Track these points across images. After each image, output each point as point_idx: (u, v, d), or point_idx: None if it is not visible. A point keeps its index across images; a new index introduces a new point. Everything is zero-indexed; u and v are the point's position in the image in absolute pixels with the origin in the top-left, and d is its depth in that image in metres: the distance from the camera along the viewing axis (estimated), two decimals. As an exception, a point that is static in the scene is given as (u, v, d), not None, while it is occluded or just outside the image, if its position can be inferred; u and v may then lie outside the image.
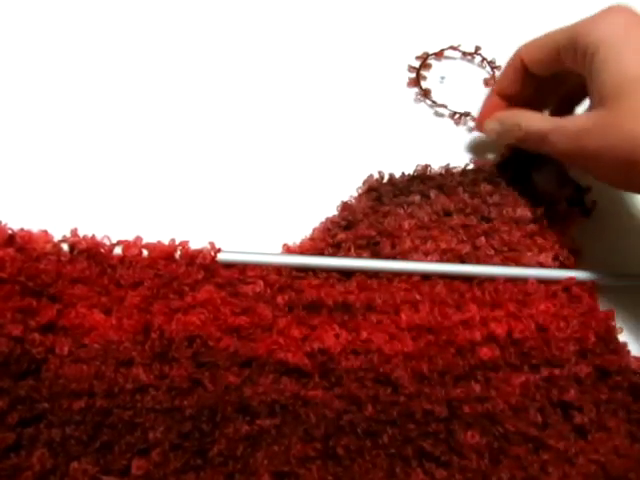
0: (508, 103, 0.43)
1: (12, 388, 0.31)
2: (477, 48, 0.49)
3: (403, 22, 0.50)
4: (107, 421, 0.31)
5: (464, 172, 0.41)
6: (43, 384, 0.31)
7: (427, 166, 0.40)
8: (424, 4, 0.52)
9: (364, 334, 0.34)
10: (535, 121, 0.39)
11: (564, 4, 0.53)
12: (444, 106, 0.46)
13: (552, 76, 0.41)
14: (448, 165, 0.41)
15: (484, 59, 0.48)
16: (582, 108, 0.42)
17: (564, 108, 0.44)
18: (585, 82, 0.37)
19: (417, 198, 0.39)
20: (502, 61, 0.47)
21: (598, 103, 0.35)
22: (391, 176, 0.40)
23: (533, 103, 0.43)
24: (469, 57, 0.49)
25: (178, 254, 0.35)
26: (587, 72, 0.36)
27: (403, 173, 0.40)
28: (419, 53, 0.48)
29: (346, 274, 0.36)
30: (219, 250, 0.35)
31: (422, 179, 0.40)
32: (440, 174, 0.40)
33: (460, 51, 0.49)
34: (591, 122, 0.35)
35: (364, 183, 0.40)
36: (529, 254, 0.38)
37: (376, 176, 0.40)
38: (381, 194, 0.39)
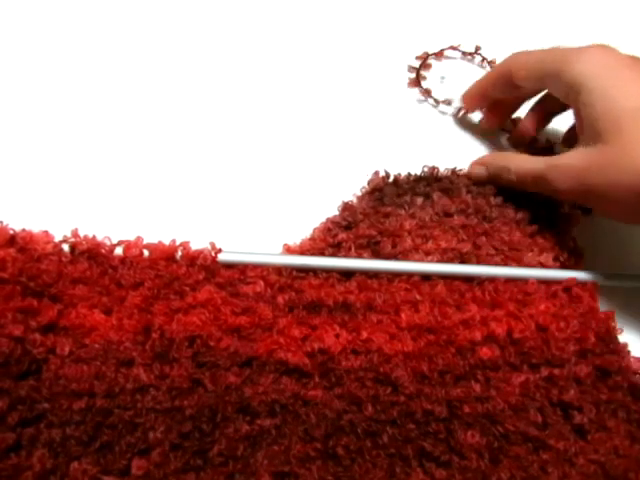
0: (486, 102, 0.44)
1: (13, 388, 0.31)
2: (477, 48, 0.49)
3: (403, 22, 0.51)
4: (107, 421, 0.31)
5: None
6: (44, 384, 0.31)
7: (434, 168, 0.40)
8: (424, 4, 0.52)
9: (364, 334, 0.34)
10: (525, 163, 0.38)
11: (564, 4, 0.53)
12: (447, 102, 0.46)
13: (535, 89, 0.41)
14: (455, 168, 0.41)
15: (484, 59, 0.49)
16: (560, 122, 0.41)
17: (541, 118, 0.44)
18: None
19: (420, 200, 0.39)
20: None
21: (594, 139, 0.35)
22: (396, 177, 0.40)
23: (509, 107, 0.44)
24: (469, 57, 0.49)
25: (179, 254, 0.35)
26: (574, 105, 0.37)
27: (409, 174, 0.40)
28: (419, 53, 0.48)
29: (346, 274, 0.36)
30: (220, 250, 0.35)
31: (428, 181, 0.40)
32: (446, 176, 0.40)
33: (460, 51, 0.49)
34: (593, 159, 0.34)
35: (369, 183, 0.40)
36: (530, 254, 0.38)
37: (382, 174, 0.40)
38: (384, 194, 0.39)
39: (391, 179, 0.40)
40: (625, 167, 0.33)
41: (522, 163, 0.39)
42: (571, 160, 0.36)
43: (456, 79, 0.48)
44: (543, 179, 0.37)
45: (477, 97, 0.44)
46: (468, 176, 0.41)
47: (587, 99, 0.35)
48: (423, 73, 0.47)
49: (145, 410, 0.31)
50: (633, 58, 0.36)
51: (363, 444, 0.31)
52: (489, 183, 0.40)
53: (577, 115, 0.37)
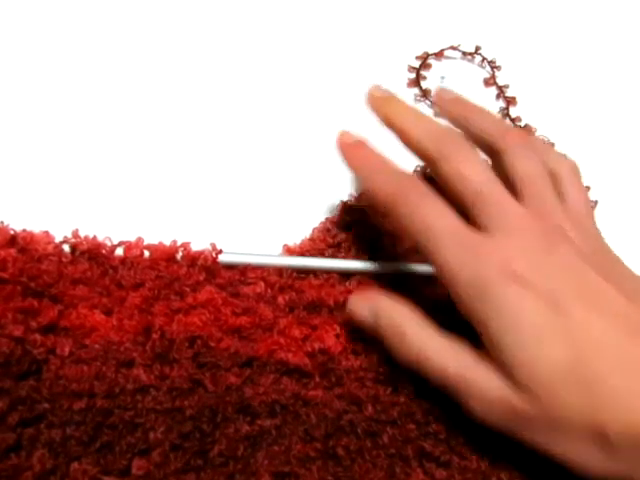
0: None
1: (13, 388, 0.31)
2: (477, 48, 0.49)
3: (403, 22, 0.51)
4: (108, 421, 0.31)
5: None
6: (44, 384, 0.31)
7: (426, 167, 0.40)
8: (424, 4, 0.52)
9: (365, 334, 0.34)
10: (431, 347, 0.30)
11: (564, 4, 0.53)
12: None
13: None
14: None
15: (484, 59, 0.49)
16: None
17: None
18: None
19: None
20: (502, 61, 0.48)
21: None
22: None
23: None
24: (469, 57, 0.49)
25: (179, 255, 0.35)
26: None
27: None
28: (419, 53, 0.48)
29: (346, 274, 0.36)
30: (220, 251, 0.35)
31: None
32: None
33: (460, 51, 0.49)
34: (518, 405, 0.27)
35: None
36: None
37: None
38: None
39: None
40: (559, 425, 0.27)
41: (429, 345, 0.30)
42: (502, 393, 0.28)
43: (456, 79, 0.48)
44: (459, 390, 0.29)
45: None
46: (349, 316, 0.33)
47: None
48: (423, 73, 0.47)
49: (145, 410, 0.31)
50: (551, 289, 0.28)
51: (363, 444, 0.31)
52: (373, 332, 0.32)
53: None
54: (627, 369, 0.26)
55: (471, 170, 0.30)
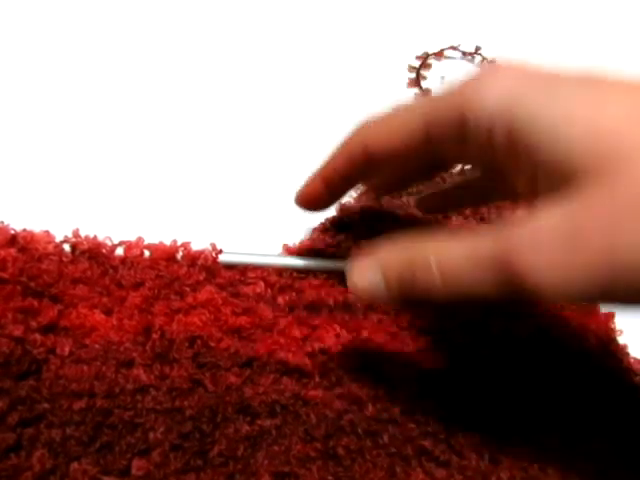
0: (331, 189, 0.32)
1: (13, 388, 0.31)
2: (477, 48, 0.49)
3: (403, 22, 0.51)
4: (107, 421, 0.31)
5: (462, 172, 0.41)
6: (44, 384, 0.31)
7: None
8: (424, 4, 0.52)
9: (365, 334, 0.34)
10: (457, 247, 0.23)
11: (564, 4, 0.53)
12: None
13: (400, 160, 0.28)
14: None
15: (484, 59, 0.49)
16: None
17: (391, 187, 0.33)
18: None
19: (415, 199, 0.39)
20: (502, 61, 0.48)
21: (568, 186, 0.21)
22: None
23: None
24: (469, 57, 0.49)
25: (180, 255, 0.35)
26: (505, 154, 0.24)
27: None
28: (419, 53, 0.48)
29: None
30: (220, 251, 0.35)
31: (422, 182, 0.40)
32: (441, 177, 0.40)
33: (460, 51, 0.49)
34: (592, 211, 0.21)
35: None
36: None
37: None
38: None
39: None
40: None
41: (452, 250, 0.23)
42: (556, 221, 0.21)
43: (456, 79, 0.48)
44: (505, 267, 0.22)
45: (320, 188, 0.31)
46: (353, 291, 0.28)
47: (536, 137, 0.22)
48: (423, 73, 0.48)
49: (145, 410, 0.31)
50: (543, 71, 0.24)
51: (363, 444, 0.31)
52: (386, 300, 0.26)
53: (510, 168, 0.24)
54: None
55: None
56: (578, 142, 0.21)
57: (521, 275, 0.21)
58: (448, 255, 0.23)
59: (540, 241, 0.21)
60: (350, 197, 0.40)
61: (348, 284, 0.27)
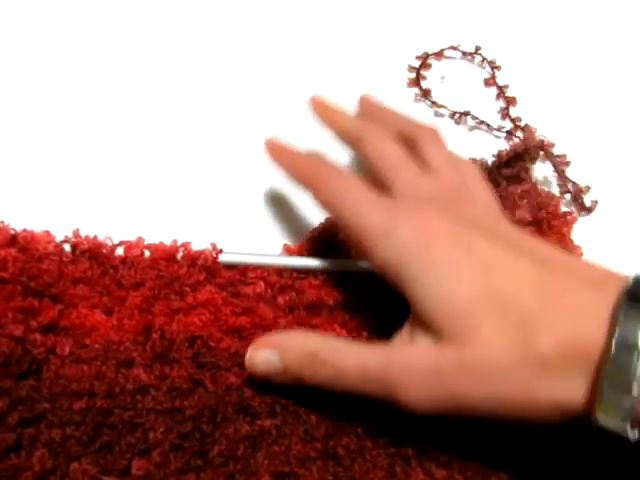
0: None
1: (13, 388, 0.31)
2: (477, 48, 0.49)
3: (403, 22, 0.51)
4: (107, 421, 0.31)
5: None
6: (44, 384, 0.31)
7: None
8: (424, 4, 0.52)
9: (365, 334, 0.34)
10: (349, 352, 0.29)
11: (564, 4, 0.53)
12: (444, 107, 0.46)
13: None
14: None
15: (484, 59, 0.49)
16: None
17: None
18: None
19: None
20: (502, 61, 0.48)
21: (433, 331, 0.27)
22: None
23: None
24: (469, 57, 0.49)
25: (180, 255, 0.35)
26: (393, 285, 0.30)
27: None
28: (419, 53, 0.48)
29: (347, 274, 0.36)
30: (221, 251, 0.35)
31: None
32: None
33: (460, 51, 0.49)
34: (451, 361, 0.27)
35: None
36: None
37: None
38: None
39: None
40: (495, 375, 0.26)
41: (346, 357, 0.29)
42: (424, 358, 0.27)
43: (456, 79, 0.48)
44: (384, 382, 0.28)
45: None
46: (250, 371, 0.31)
47: (413, 293, 0.28)
48: (423, 73, 0.48)
49: (145, 410, 0.31)
50: (454, 225, 0.29)
51: (363, 444, 0.31)
52: (287, 381, 0.31)
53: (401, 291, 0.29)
54: (538, 290, 0.26)
55: (385, 149, 0.35)
56: (441, 313, 0.27)
57: (396, 391, 0.28)
58: (343, 361, 0.29)
59: (413, 370, 0.27)
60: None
61: (246, 359, 0.31)
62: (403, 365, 0.28)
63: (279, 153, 0.37)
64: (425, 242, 0.28)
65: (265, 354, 0.31)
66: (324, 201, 0.33)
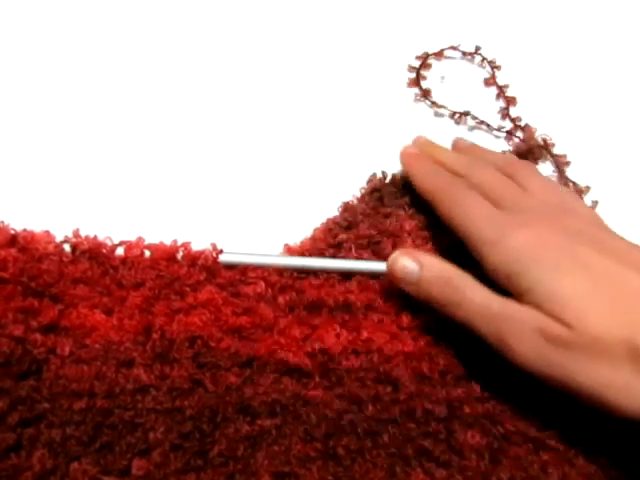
0: None
1: (13, 388, 0.31)
2: (477, 48, 0.49)
3: (403, 22, 0.50)
4: (108, 421, 0.31)
5: None
6: (44, 384, 0.31)
7: None
8: (424, 4, 0.52)
9: (365, 334, 0.34)
10: (480, 295, 0.32)
11: (564, 4, 0.53)
12: (444, 107, 0.46)
13: None
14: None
15: (484, 59, 0.48)
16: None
17: None
18: None
19: (418, 200, 0.39)
20: (502, 61, 0.48)
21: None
22: (393, 176, 0.40)
23: None
24: (469, 57, 0.49)
25: (180, 255, 0.35)
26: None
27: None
28: (419, 53, 0.48)
29: (347, 274, 0.36)
30: (221, 251, 0.35)
31: None
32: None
33: (460, 51, 0.49)
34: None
35: (367, 183, 0.40)
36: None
37: (379, 176, 0.40)
38: (383, 195, 0.39)
39: (389, 179, 0.40)
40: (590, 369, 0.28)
41: (474, 287, 0.32)
42: (527, 322, 0.30)
43: (456, 79, 0.48)
44: (497, 327, 0.31)
45: None
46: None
47: (528, 286, 0.30)
48: (423, 73, 0.47)
49: (145, 410, 0.31)
50: (560, 234, 0.32)
51: (363, 444, 0.31)
52: (416, 293, 0.33)
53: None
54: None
55: (488, 175, 0.37)
56: (548, 301, 0.29)
57: (508, 342, 0.30)
58: (472, 294, 0.32)
59: (525, 331, 0.30)
60: (353, 197, 0.40)
61: (389, 260, 0.34)
62: (521, 321, 0.30)
63: (410, 165, 0.39)
64: (534, 245, 0.31)
65: (407, 262, 0.33)
66: (448, 214, 0.35)
